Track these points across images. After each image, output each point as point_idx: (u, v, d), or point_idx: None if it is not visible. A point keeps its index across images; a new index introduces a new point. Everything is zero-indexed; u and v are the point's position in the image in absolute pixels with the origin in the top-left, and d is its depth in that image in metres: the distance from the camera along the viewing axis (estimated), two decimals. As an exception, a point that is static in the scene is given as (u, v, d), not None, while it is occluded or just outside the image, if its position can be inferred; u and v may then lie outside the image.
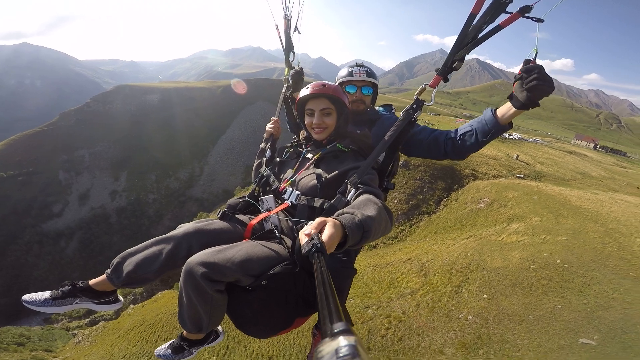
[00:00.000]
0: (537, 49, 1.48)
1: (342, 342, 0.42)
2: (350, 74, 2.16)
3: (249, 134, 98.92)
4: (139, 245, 1.57)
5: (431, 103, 1.72)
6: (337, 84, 2.10)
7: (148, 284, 1.57)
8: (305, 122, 1.85)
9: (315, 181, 1.66)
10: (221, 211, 1.74)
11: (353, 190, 1.50)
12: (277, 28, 2.40)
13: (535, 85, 1.42)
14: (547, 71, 1.43)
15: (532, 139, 49.28)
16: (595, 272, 8.59)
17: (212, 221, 1.65)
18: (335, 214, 1.17)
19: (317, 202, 1.59)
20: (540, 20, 1.43)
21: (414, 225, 18.64)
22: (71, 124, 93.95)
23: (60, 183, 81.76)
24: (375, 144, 1.79)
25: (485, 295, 8.76)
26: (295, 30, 2.39)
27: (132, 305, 19.51)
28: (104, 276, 1.59)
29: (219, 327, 1.88)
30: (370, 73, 2.17)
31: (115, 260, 1.56)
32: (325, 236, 0.94)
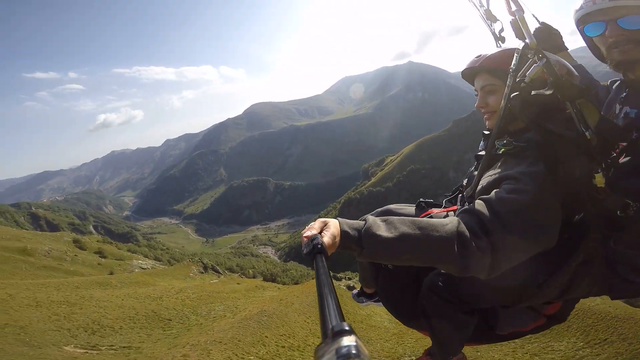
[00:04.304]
0: None
1: (343, 342, 0.41)
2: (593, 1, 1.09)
3: None
4: None
5: None
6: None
7: None
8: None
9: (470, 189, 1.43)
10: (418, 201, 1.83)
11: (458, 206, 1.46)
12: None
13: None
14: None
15: None
16: None
17: (406, 207, 1.82)
18: (360, 218, 1.17)
19: None
20: None
21: None
22: (461, 131, 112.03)
23: (449, 180, 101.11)
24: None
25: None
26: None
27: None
28: None
29: None
30: None
31: None
32: (325, 237, 0.91)
